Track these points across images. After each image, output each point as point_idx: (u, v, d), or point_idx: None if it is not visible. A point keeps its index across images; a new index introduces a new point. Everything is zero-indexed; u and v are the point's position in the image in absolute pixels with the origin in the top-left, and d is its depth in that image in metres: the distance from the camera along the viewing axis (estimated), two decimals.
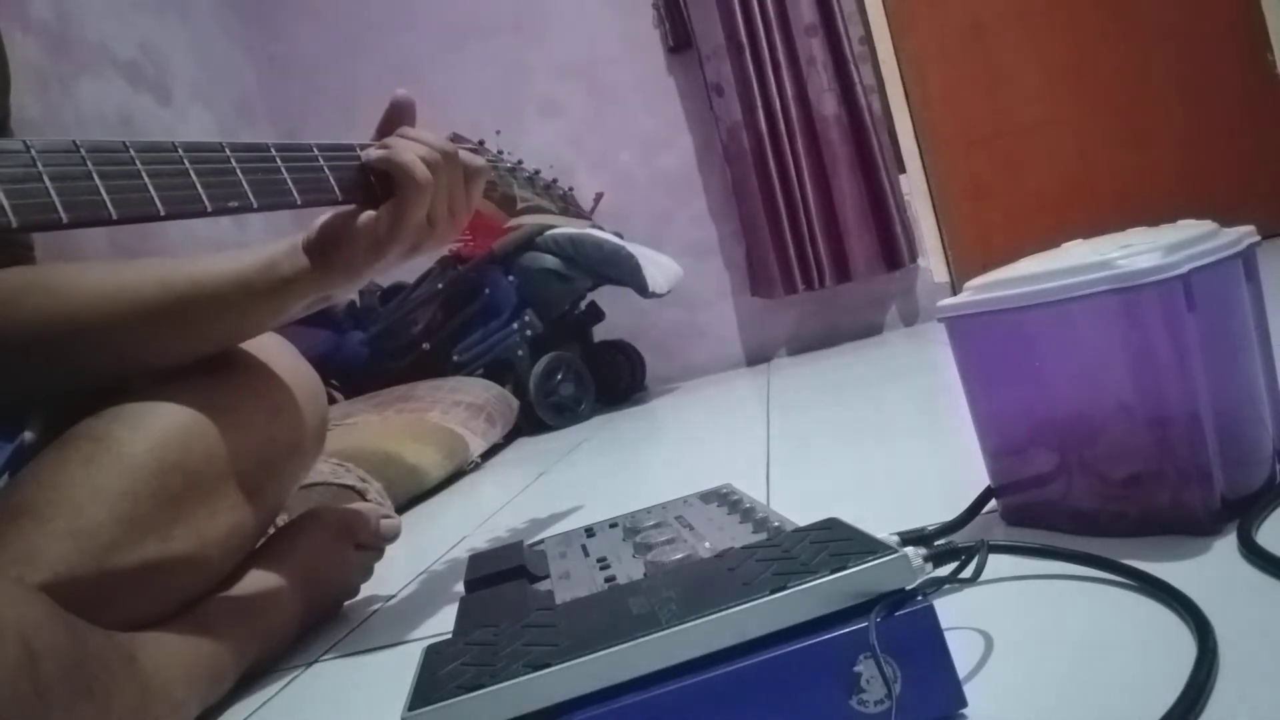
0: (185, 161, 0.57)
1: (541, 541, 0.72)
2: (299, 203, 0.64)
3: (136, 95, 2.15)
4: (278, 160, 0.64)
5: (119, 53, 2.13)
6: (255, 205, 0.61)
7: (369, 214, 0.69)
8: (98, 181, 0.52)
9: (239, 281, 0.69)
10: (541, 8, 2.66)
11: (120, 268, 0.69)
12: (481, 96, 2.65)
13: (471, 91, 2.65)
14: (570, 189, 1.08)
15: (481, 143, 0.88)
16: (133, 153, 0.54)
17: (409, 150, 0.68)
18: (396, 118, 0.73)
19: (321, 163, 0.67)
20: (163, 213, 0.55)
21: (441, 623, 0.76)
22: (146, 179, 0.54)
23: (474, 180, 0.75)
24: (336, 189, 0.67)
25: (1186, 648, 0.40)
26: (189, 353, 0.72)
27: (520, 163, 0.97)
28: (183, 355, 0.72)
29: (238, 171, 0.60)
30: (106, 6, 2.12)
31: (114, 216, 0.52)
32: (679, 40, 2.58)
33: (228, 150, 0.60)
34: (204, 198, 0.57)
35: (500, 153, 0.94)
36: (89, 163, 0.52)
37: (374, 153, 0.69)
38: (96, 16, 2.07)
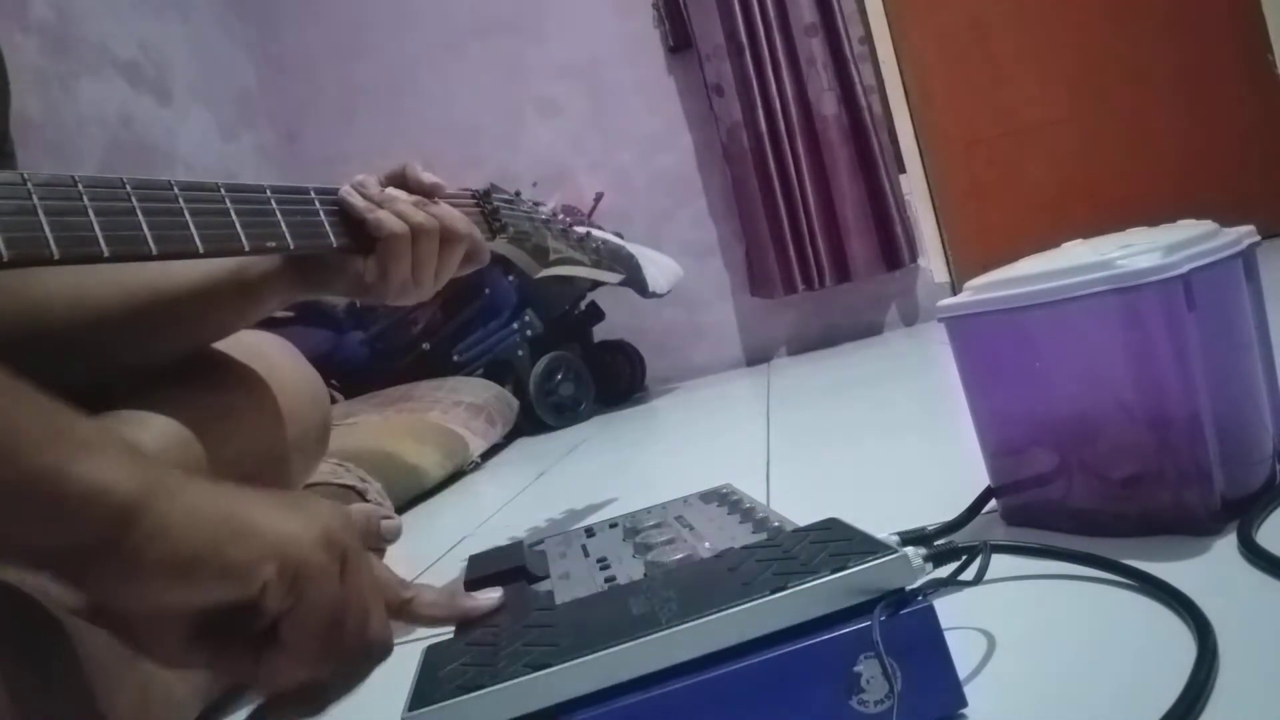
0: (227, 201, 0.58)
1: (542, 542, 0.72)
2: (334, 245, 0.66)
3: (136, 95, 2.15)
4: (316, 203, 0.66)
5: (119, 53, 2.12)
6: (292, 246, 0.62)
7: (358, 259, 0.70)
8: (140, 217, 0.52)
9: (203, 288, 0.69)
10: (541, 8, 2.65)
11: (84, 274, 0.69)
12: (481, 97, 2.65)
13: (471, 92, 2.65)
14: (605, 242, 1.08)
15: (518, 193, 0.89)
16: (176, 190, 0.55)
17: (390, 219, 0.69)
18: (409, 183, 0.74)
19: None
20: (202, 250, 0.56)
21: None
22: (189, 217, 0.55)
23: (449, 246, 0.74)
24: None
25: (1186, 648, 0.40)
26: (157, 357, 0.72)
27: (556, 214, 0.98)
28: (150, 359, 0.71)
29: (277, 213, 0.62)
30: (106, 6, 2.12)
31: (154, 252, 0.53)
32: (679, 40, 2.58)
33: (269, 192, 0.62)
34: (242, 237, 0.59)
35: (537, 204, 0.95)
36: (134, 199, 0.52)
37: (358, 203, 0.69)
38: (96, 16, 2.07)
